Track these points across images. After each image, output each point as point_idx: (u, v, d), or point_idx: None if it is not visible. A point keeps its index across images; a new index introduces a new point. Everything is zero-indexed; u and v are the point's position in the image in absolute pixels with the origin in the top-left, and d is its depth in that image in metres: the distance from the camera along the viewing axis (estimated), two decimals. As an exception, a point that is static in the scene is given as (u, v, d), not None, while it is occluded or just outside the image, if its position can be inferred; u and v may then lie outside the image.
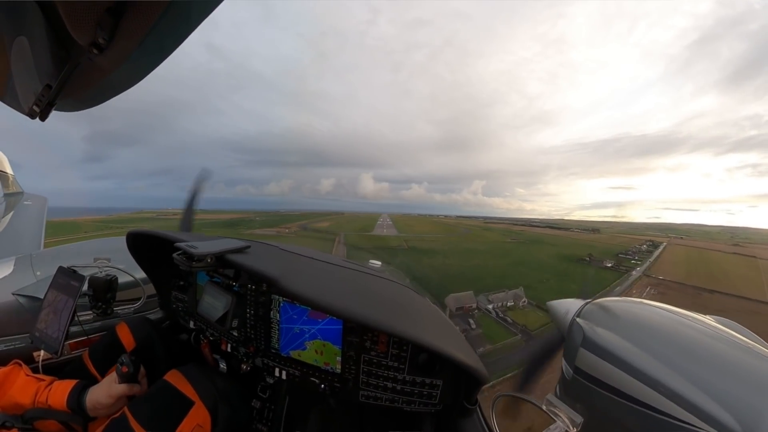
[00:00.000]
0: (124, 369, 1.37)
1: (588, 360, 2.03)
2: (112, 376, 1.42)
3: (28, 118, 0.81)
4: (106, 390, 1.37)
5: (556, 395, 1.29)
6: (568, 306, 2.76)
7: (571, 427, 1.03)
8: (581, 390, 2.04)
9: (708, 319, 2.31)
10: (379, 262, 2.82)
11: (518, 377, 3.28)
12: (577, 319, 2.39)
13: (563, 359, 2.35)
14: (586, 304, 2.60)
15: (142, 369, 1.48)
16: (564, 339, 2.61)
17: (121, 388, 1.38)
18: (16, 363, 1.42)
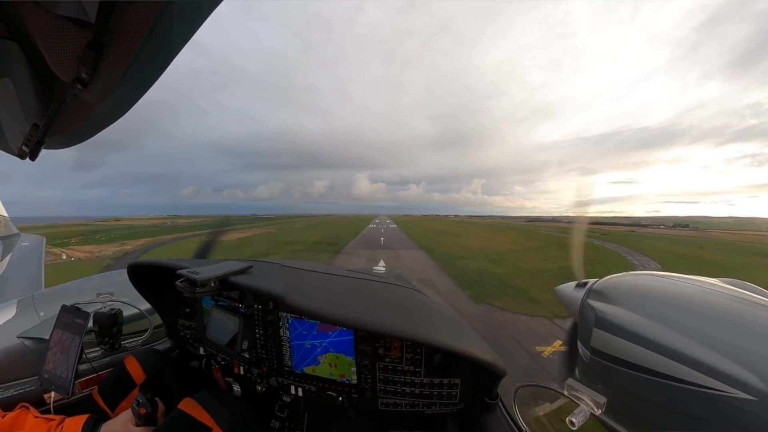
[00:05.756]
0: (142, 411, 1.32)
1: (603, 339, 2.03)
2: (128, 414, 1.37)
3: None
4: (121, 429, 1.33)
5: (576, 379, 1.29)
6: (577, 288, 2.76)
7: (595, 409, 1.03)
8: (601, 370, 2.03)
9: (718, 282, 2.29)
10: (383, 268, 2.80)
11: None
12: (588, 300, 2.38)
13: (579, 342, 2.34)
14: (594, 283, 2.59)
15: (161, 406, 1.43)
16: (576, 322, 2.60)
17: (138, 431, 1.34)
18: (23, 407, 1.40)
